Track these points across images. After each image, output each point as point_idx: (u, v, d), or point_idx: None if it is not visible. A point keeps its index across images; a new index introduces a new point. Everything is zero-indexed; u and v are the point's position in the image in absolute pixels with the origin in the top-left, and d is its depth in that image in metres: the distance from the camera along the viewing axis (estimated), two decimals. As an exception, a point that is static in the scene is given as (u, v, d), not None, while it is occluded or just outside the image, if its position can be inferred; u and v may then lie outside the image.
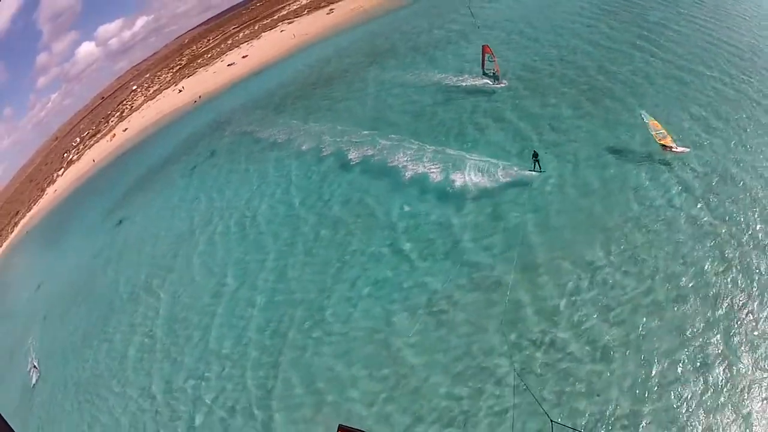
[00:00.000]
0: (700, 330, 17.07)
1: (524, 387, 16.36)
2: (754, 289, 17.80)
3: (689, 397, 15.43)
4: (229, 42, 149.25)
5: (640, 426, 15.27)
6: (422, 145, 34.55)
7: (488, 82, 41.22)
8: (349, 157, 38.00)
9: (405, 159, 33.60)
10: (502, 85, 40.01)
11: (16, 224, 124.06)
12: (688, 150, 25.23)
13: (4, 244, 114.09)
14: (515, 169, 27.87)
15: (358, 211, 30.95)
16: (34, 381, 38.30)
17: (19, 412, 35.43)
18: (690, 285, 18.59)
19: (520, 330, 19.33)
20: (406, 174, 31.88)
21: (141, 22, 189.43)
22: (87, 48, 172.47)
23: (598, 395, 16.37)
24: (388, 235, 27.62)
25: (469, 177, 28.87)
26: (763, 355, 15.85)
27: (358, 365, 21.39)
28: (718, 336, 16.72)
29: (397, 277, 24.57)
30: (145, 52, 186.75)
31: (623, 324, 18.14)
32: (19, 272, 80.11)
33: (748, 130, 25.33)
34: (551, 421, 14.05)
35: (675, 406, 15.38)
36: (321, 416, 20.22)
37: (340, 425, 15.88)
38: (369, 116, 44.92)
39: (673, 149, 25.37)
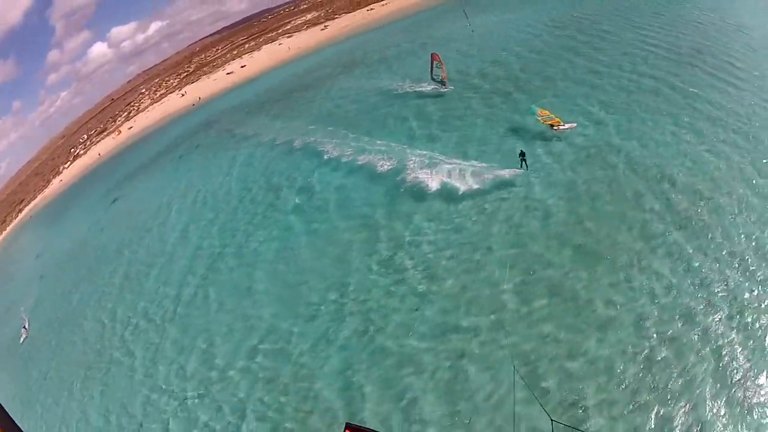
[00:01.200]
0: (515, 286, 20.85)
1: (525, 384, 16.73)
2: (590, 245, 21.38)
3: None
4: (235, 52, 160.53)
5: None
6: (347, 134, 43.06)
7: (436, 86, 47.93)
8: (293, 145, 46.65)
9: (330, 146, 42.01)
10: (449, 89, 46.03)
11: (20, 210, 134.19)
12: (575, 125, 30.58)
13: (8, 228, 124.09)
14: (399, 150, 36.04)
15: (280, 185, 39.48)
16: (22, 339, 44.37)
17: (8, 356, 43.14)
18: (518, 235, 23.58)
19: (369, 257, 26.60)
20: (325, 156, 40.34)
21: (155, 26, 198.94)
22: (99, 49, 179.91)
23: (416, 310, 21.66)
24: (294, 199, 36.01)
25: (371, 158, 37.04)
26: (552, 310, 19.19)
27: (249, 288, 29.33)
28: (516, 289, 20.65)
29: (288, 230, 32.71)
30: (157, 57, 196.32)
31: (449, 274, 22.91)
32: (23, 247, 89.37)
33: (639, 116, 30.10)
34: (552, 420, 14.11)
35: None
36: (216, 318, 28.13)
37: (347, 423, 15.60)
38: (322, 114, 53.64)
39: (560, 127, 30.50)
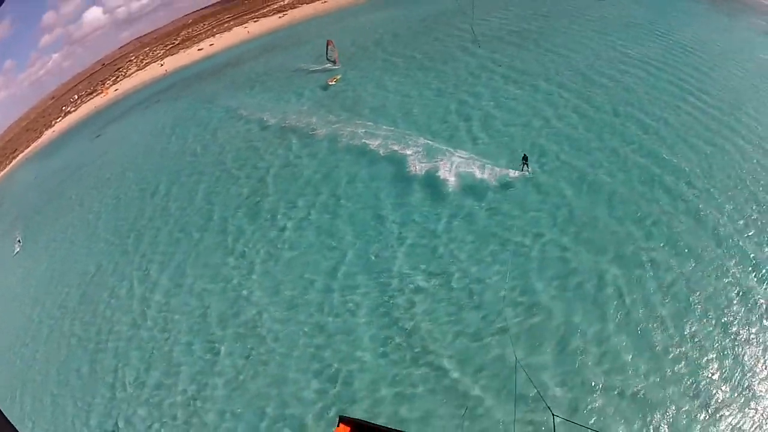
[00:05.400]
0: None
1: (527, 376, 20.12)
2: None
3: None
4: (215, 30, 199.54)
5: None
6: (236, 92, 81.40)
7: (329, 65, 74.66)
8: (208, 99, 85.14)
9: (224, 98, 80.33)
10: (338, 67, 72.64)
11: (14, 158, 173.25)
12: (336, 84, 68.64)
13: (3, 172, 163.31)
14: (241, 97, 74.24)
15: (186, 116, 78.26)
16: (15, 253, 64.01)
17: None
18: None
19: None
20: (219, 102, 78.88)
21: None
22: (94, 13, 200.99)
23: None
24: (190, 134, 74.75)
25: (239, 103, 74.98)
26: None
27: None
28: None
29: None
30: (151, 25, 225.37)
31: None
32: (19, 177, 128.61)
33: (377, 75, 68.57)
34: (553, 415, 16.28)
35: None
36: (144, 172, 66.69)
37: (340, 416, 18.52)
38: (234, 83, 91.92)
39: (336, 80, 68.28)
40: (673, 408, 20.91)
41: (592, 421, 19.39)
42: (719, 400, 21.04)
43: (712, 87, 46.32)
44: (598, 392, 21.76)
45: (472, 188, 37.39)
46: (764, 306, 24.94)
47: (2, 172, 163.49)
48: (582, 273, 28.26)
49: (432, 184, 38.93)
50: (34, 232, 67.91)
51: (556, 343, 24.40)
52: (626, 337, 23.96)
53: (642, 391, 21.66)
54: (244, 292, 34.75)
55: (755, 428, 20.07)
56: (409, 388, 24.41)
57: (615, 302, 26.22)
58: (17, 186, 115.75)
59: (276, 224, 40.96)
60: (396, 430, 19.94)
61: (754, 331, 23.76)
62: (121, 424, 29.36)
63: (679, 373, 22.18)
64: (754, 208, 31.11)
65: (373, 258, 33.82)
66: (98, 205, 62.90)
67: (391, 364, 25.99)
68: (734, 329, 23.99)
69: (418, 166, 41.03)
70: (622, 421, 20.66)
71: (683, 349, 23.17)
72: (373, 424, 19.14)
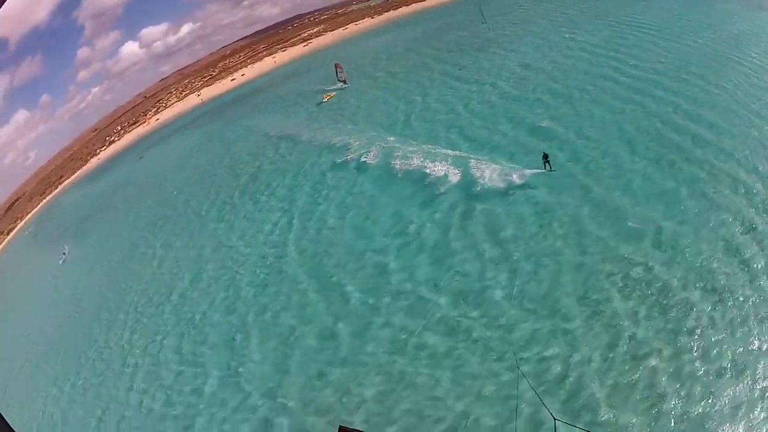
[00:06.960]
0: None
1: (527, 381, 20.50)
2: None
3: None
4: (249, 60, 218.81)
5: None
6: (257, 112, 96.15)
7: (340, 84, 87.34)
8: (233, 121, 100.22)
9: (247, 119, 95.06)
10: (347, 86, 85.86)
11: (60, 184, 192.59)
12: (334, 95, 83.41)
13: (49, 196, 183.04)
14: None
15: (212, 136, 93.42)
16: (61, 261, 75.17)
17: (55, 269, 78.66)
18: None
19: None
20: (243, 123, 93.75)
21: (187, 28, 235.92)
22: (130, 48, 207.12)
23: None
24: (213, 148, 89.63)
25: (258, 122, 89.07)
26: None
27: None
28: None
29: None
30: (191, 58, 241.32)
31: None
32: (69, 198, 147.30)
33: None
34: (554, 419, 16.29)
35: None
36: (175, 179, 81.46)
37: (340, 426, 18.53)
38: (256, 106, 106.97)
39: (330, 97, 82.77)
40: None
41: (596, 425, 19.42)
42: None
43: (648, 59, 51.98)
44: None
45: (384, 164, 48.13)
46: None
47: (50, 196, 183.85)
48: (410, 219, 38.30)
49: (357, 163, 51.12)
50: (81, 237, 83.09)
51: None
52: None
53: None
54: (225, 240, 49.56)
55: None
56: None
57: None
58: (67, 204, 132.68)
59: (252, 199, 56.20)
60: None
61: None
62: (126, 335, 42.73)
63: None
64: (626, 154, 36.19)
65: (300, 211, 47.55)
66: (131, 211, 77.72)
67: (271, 277, 39.47)
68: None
69: (353, 154, 53.16)
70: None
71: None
72: None
